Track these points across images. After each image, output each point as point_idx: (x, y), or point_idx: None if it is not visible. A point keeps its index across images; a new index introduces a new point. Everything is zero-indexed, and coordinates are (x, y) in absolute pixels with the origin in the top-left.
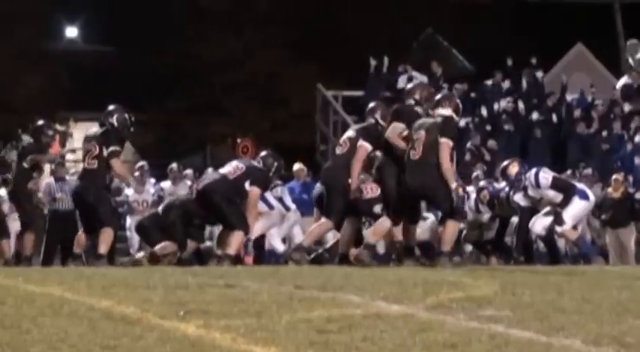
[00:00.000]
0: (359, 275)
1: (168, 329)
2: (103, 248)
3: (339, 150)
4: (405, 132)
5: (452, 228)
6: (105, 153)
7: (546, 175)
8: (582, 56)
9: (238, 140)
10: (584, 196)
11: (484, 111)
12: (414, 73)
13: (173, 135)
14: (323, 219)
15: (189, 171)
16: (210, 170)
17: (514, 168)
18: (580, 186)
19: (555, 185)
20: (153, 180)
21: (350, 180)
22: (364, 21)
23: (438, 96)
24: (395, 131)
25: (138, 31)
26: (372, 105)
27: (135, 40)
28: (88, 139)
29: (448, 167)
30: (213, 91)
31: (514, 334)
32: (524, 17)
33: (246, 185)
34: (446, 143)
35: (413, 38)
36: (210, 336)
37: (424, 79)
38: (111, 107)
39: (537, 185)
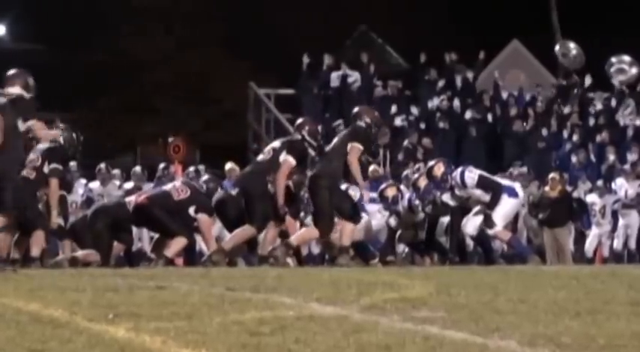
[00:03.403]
0: (292, 277)
1: (97, 333)
2: (36, 250)
3: (260, 158)
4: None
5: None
6: (46, 168)
7: (472, 174)
8: (518, 53)
9: (169, 139)
10: (512, 194)
11: (418, 109)
12: (349, 71)
13: (103, 135)
14: (246, 225)
15: (117, 171)
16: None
17: (439, 169)
18: (507, 183)
19: (481, 184)
20: (83, 181)
21: (269, 186)
22: (297, 18)
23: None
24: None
25: (67, 29)
26: (300, 121)
27: (64, 38)
28: (34, 151)
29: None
30: (144, 90)
31: (449, 335)
32: (460, 14)
33: (191, 210)
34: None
35: (347, 36)
36: (140, 339)
37: (358, 76)
38: (60, 126)
39: (463, 184)
